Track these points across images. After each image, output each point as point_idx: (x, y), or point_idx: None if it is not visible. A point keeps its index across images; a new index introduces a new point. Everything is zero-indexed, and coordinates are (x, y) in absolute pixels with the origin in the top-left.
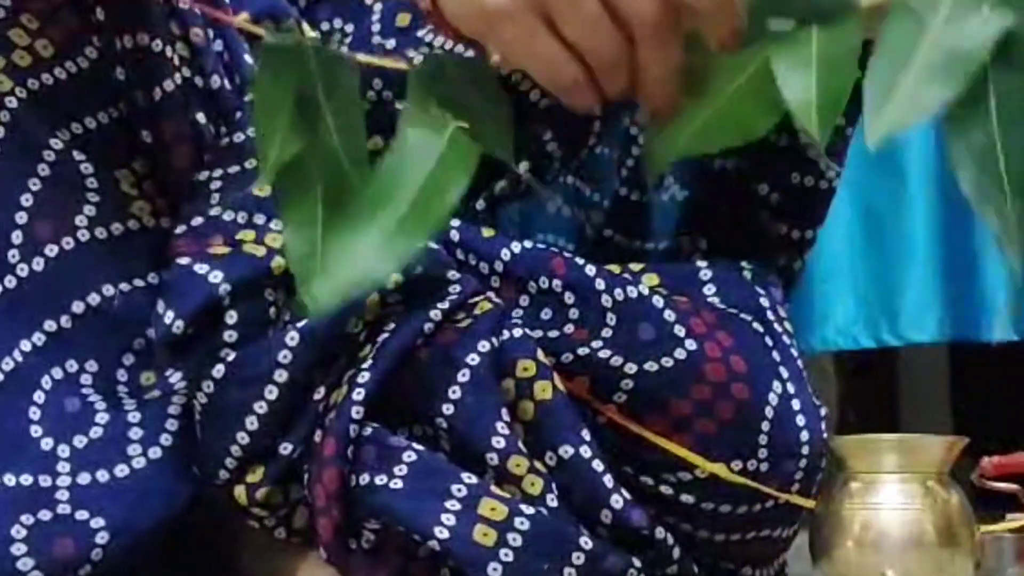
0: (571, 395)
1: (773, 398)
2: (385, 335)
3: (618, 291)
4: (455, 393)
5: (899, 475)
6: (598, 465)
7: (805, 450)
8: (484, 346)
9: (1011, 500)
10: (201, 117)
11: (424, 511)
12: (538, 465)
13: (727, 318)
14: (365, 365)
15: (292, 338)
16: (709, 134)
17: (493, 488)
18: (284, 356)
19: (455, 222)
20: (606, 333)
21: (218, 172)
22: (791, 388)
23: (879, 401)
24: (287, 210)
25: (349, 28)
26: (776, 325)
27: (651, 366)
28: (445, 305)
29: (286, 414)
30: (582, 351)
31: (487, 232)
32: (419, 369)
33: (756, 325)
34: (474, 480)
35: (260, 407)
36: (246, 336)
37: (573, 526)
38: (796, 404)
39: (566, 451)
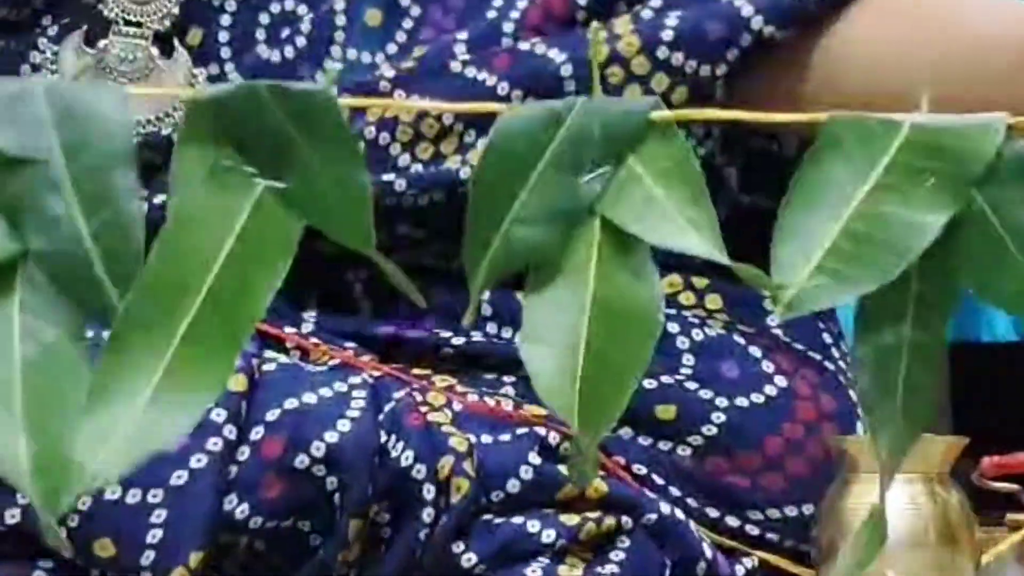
0: (658, 422)
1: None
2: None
3: (696, 332)
4: None
5: (899, 475)
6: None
7: None
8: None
9: (1011, 500)
10: None
11: None
12: None
13: (803, 356)
14: None
15: None
16: None
17: None
18: None
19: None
20: (686, 371)
21: None
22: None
23: None
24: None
25: (303, 10)
26: (841, 362)
27: (742, 401)
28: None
29: None
30: (666, 379)
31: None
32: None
33: (828, 364)
34: None
35: None
36: None
37: None
38: None
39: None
